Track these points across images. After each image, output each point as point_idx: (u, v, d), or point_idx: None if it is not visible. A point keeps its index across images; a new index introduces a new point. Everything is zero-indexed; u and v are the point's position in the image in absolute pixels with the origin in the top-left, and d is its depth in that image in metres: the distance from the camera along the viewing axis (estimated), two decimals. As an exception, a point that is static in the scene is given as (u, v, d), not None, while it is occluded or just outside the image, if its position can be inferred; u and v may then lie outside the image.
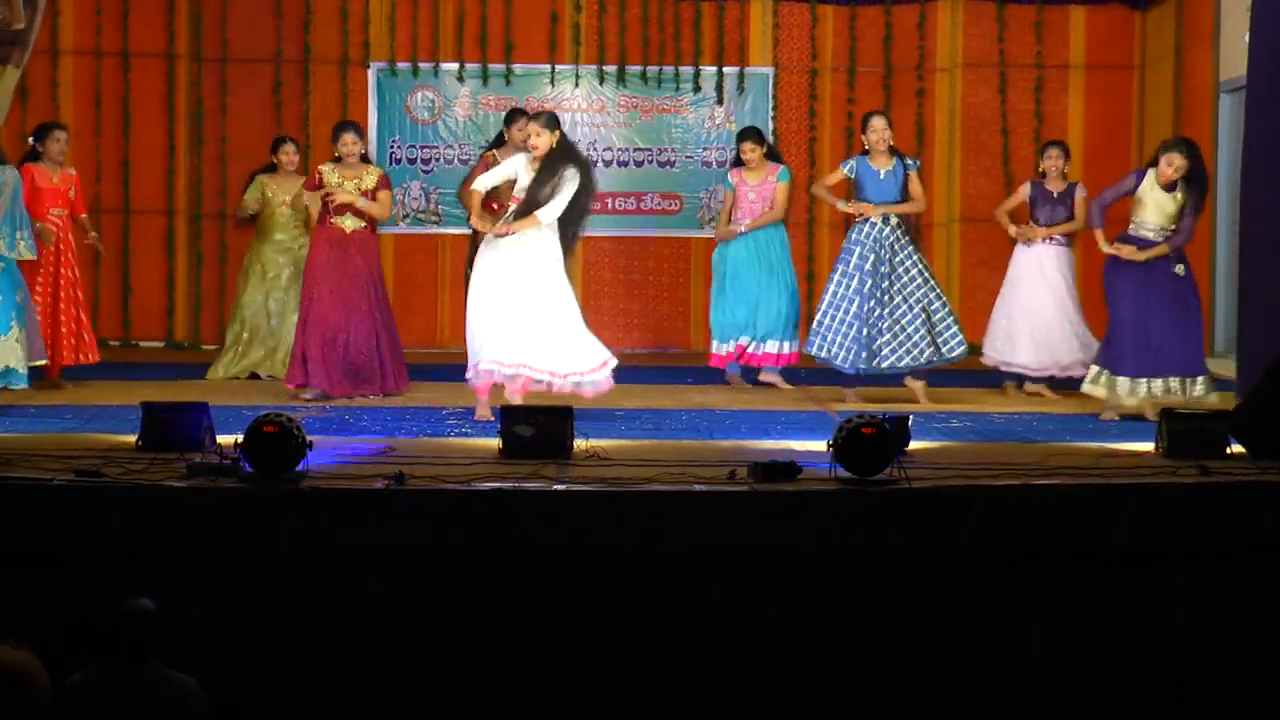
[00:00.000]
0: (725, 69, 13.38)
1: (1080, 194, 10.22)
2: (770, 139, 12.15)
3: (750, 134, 10.54)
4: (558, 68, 13.37)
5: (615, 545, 6.21)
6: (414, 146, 13.37)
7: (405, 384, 9.69)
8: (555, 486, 6.32)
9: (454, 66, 13.35)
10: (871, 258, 9.48)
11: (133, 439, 7.10)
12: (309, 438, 6.36)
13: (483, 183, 8.87)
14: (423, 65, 13.35)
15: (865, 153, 9.70)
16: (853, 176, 9.67)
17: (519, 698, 6.25)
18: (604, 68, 13.37)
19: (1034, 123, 13.33)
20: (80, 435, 7.69)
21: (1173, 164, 8.95)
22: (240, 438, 6.31)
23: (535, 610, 6.24)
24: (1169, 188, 8.98)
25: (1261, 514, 6.41)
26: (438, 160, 13.43)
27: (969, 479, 6.55)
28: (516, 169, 8.65)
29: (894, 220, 9.56)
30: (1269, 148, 9.22)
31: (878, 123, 9.66)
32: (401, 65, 13.35)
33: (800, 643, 6.28)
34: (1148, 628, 6.36)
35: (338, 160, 9.61)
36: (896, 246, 9.52)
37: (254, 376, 10.60)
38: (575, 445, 7.10)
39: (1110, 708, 6.38)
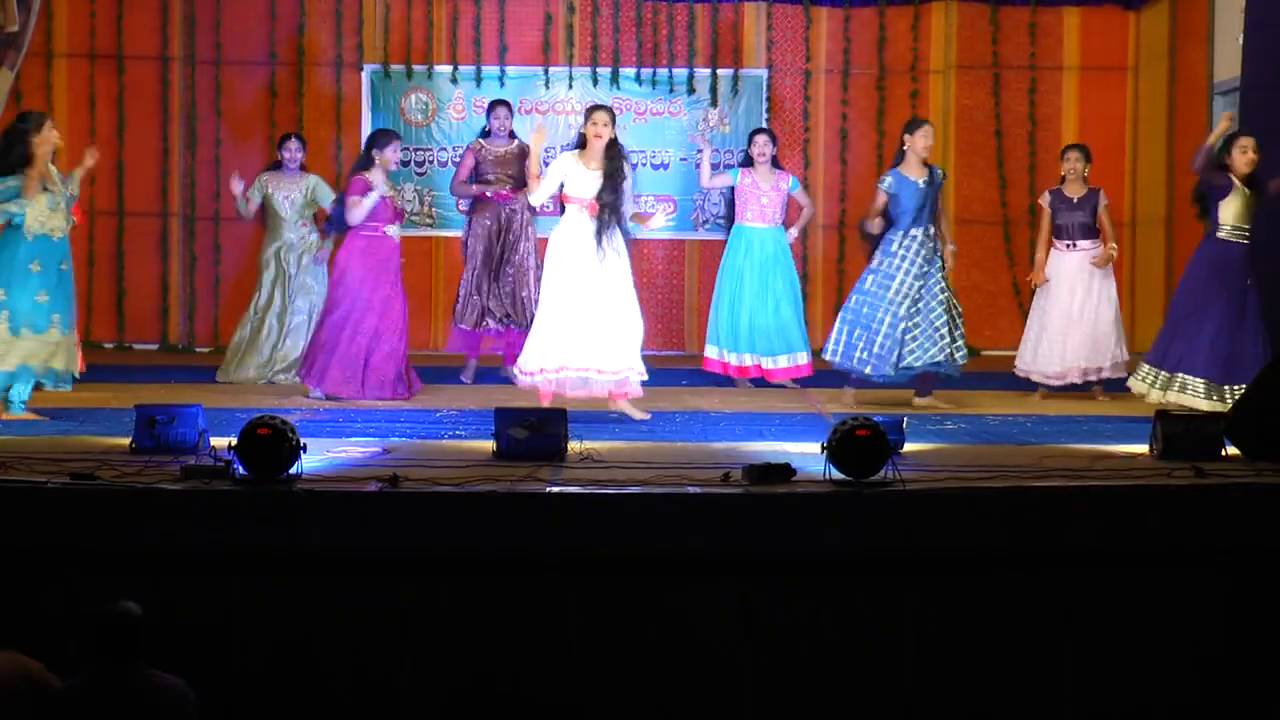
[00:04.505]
0: (719, 71, 13.37)
1: (1103, 203, 10.03)
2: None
3: (767, 130, 11.01)
4: (552, 70, 13.35)
5: (610, 548, 6.20)
6: (408, 149, 13.34)
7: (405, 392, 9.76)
8: (550, 489, 6.32)
9: (448, 69, 13.34)
10: (912, 269, 9.27)
11: (127, 442, 7.10)
12: (302, 440, 6.36)
13: (541, 195, 8.81)
14: (416, 68, 13.34)
15: (896, 164, 9.45)
16: (892, 193, 9.34)
17: (515, 698, 6.24)
18: (598, 70, 13.36)
19: (1028, 125, 13.34)
20: (74, 438, 7.68)
21: (1246, 150, 8.76)
22: (234, 440, 6.32)
23: (531, 612, 6.24)
24: (1248, 183, 8.76)
25: (1257, 516, 6.41)
26: (432, 163, 13.41)
27: (964, 481, 6.54)
28: (566, 168, 8.66)
29: (931, 230, 9.38)
30: (1262, 149, 9.24)
31: (929, 130, 9.44)
32: (395, 67, 13.34)
33: (795, 644, 6.27)
34: (1144, 628, 6.37)
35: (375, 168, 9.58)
36: (931, 255, 9.33)
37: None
38: (570, 447, 7.10)
39: (1107, 708, 6.38)
